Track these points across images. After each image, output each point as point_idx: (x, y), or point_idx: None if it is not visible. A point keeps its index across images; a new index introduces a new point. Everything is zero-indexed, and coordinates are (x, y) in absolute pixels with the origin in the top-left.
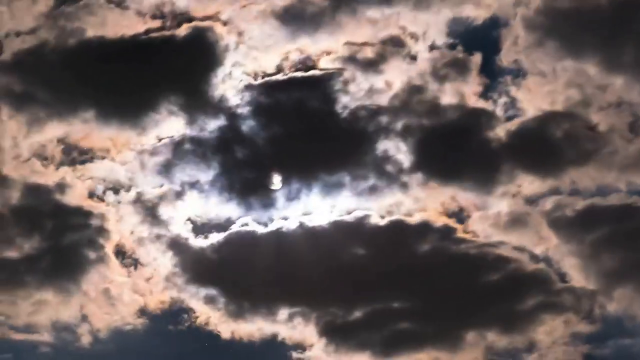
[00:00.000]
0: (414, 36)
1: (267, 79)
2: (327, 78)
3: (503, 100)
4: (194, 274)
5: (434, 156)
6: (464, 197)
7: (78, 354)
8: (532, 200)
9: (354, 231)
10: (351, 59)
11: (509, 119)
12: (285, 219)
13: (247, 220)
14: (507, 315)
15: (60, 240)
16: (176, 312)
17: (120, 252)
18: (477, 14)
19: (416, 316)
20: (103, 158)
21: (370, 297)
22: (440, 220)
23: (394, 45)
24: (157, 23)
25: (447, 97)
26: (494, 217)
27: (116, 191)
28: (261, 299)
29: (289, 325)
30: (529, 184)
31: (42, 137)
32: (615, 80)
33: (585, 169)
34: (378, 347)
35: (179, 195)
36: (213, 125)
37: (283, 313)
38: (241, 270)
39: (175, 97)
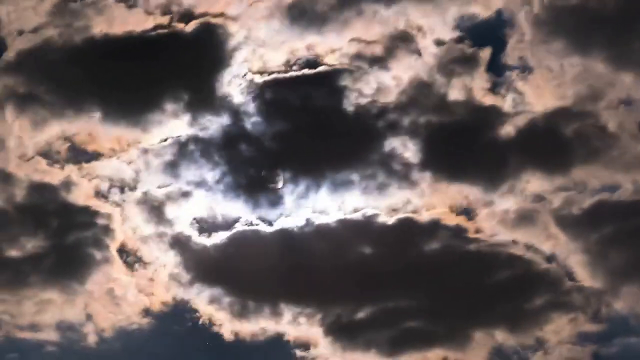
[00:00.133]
0: (421, 32)
1: (273, 76)
2: (334, 75)
3: (511, 96)
4: (199, 273)
5: (441, 153)
6: (472, 194)
7: (83, 354)
8: (540, 198)
9: (360, 229)
10: (358, 56)
11: (517, 115)
12: (292, 217)
13: (253, 219)
14: (514, 314)
15: (65, 239)
16: (181, 312)
17: (125, 251)
18: (484, 10)
19: (422, 315)
20: (109, 157)
21: (377, 296)
22: (447, 218)
23: (401, 41)
24: (163, 20)
25: (455, 93)
26: (501, 214)
27: (122, 190)
28: (266, 298)
29: (294, 325)
30: (537, 181)
31: (47, 135)
32: (624, 77)
33: (594, 166)
34: (384, 346)
35: (184, 194)
36: (219, 123)
37: (288, 312)
38: (246, 269)
39: (181, 95)
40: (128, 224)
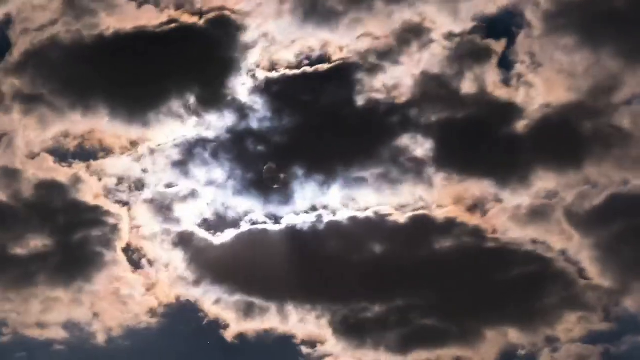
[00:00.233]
0: (432, 27)
1: (284, 72)
2: (346, 71)
3: (520, 92)
4: (207, 272)
5: (453, 150)
6: (484, 191)
7: (90, 352)
8: (552, 194)
9: (370, 227)
10: (369, 51)
11: (527, 111)
12: (301, 215)
13: (261, 217)
14: (525, 312)
15: (71, 237)
16: (188, 311)
17: (132, 250)
18: (494, 4)
19: (433, 313)
20: (117, 155)
21: (387, 294)
22: (458, 215)
23: (411, 36)
24: (173, 16)
25: (467, 88)
26: (513, 211)
27: (129, 188)
28: (274, 297)
29: (302, 322)
30: (549, 177)
31: (55, 133)
32: (636, 72)
33: (606, 162)
34: (394, 344)
35: (193, 192)
36: (228, 120)
37: (296, 310)
38: (255, 267)
39: (191, 92)
40: (135, 222)
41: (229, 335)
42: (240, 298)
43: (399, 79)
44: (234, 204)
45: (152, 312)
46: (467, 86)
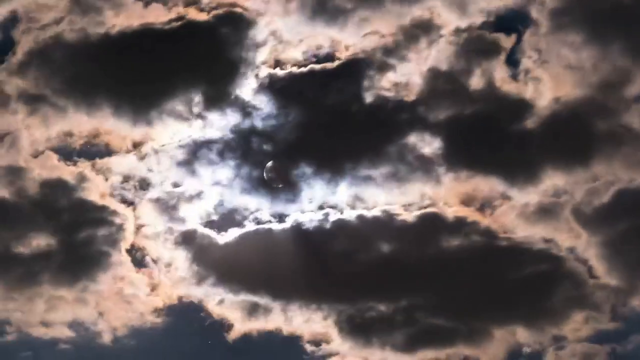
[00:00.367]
0: (439, 23)
1: (290, 70)
2: (353, 68)
3: (529, 88)
4: (212, 272)
5: (460, 146)
6: (492, 189)
7: (96, 352)
8: (560, 192)
9: (377, 225)
10: (376, 49)
11: (536, 107)
12: (307, 213)
13: (267, 216)
14: (532, 311)
15: (76, 236)
16: (193, 310)
17: (136, 249)
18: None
19: (440, 312)
20: (122, 154)
21: (393, 293)
22: (466, 213)
23: (419, 32)
24: (180, 13)
25: (475, 84)
26: (521, 209)
27: (134, 187)
28: (279, 296)
29: (307, 322)
30: (557, 175)
31: (59, 131)
32: None
33: (614, 160)
34: (400, 343)
35: (198, 191)
36: (235, 118)
37: (301, 309)
38: (260, 267)
39: (197, 90)
40: (140, 221)
41: (234, 334)
42: (246, 297)
43: (407, 76)
44: (240, 203)
45: (157, 311)
46: (475, 82)
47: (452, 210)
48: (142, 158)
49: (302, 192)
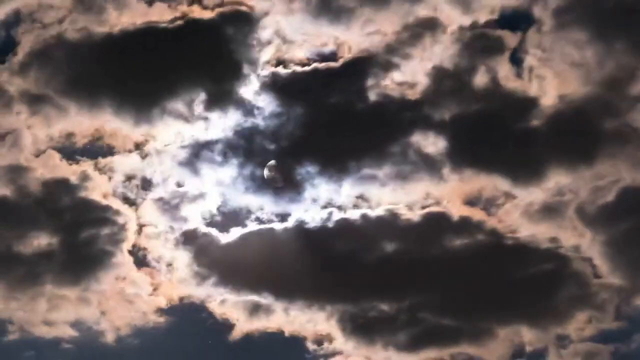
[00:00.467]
0: (443, 20)
1: (294, 69)
2: (357, 67)
3: (534, 86)
4: (215, 271)
5: (465, 145)
6: (496, 187)
7: (98, 351)
8: (564, 191)
9: (380, 224)
10: (381, 47)
11: (539, 105)
12: (311, 212)
13: (269, 215)
14: (536, 310)
15: (78, 235)
16: (196, 310)
17: (139, 249)
18: None
19: (443, 311)
20: (124, 153)
21: (396, 292)
22: (470, 212)
23: (423, 30)
24: (184, 11)
25: (479, 83)
26: (525, 207)
27: (137, 187)
28: (282, 295)
29: (310, 322)
30: (562, 173)
31: (61, 130)
32: None
33: (618, 158)
34: (403, 343)
35: (201, 190)
36: (238, 118)
37: (304, 309)
38: (263, 266)
39: (200, 89)
40: (142, 221)
41: (236, 334)
42: (248, 297)
43: (411, 74)
44: (243, 203)
45: (159, 311)
46: (480, 80)
47: (455, 209)
48: (145, 158)
49: (306, 192)
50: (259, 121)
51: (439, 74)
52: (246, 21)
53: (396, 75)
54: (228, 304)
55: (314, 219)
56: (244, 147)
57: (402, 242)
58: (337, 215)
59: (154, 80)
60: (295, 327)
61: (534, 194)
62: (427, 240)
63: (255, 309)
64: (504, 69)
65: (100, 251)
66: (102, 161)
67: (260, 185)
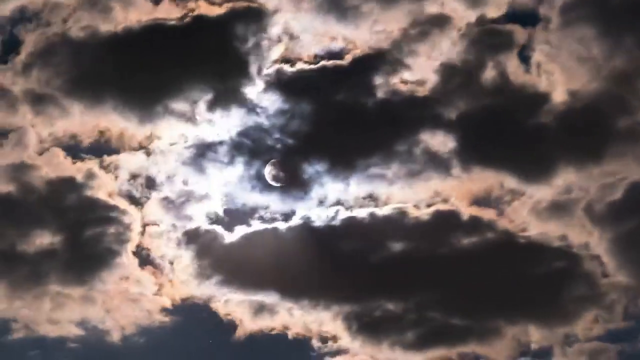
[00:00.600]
0: (452, 15)
1: (302, 67)
2: (365, 64)
3: (542, 82)
4: (220, 270)
5: (472, 142)
6: (504, 185)
7: (104, 350)
8: (572, 189)
9: (387, 222)
10: (389, 44)
11: (549, 101)
12: (318, 211)
13: (276, 214)
14: (544, 309)
15: (82, 234)
16: (201, 309)
17: (143, 248)
18: None
19: (450, 310)
20: (130, 151)
21: (403, 291)
22: (477, 210)
23: (431, 26)
24: (191, 7)
25: (488, 79)
26: (534, 205)
27: (141, 186)
28: (288, 294)
29: (316, 321)
30: (570, 171)
31: (66, 128)
32: None
33: (628, 156)
34: (409, 341)
35: (206, 189)
36: (244, 116)
37: (310, 308)
38: (268, 264)
39: (207, 87)
40: (147, 220)
41: (242, 332)
42: (254, 296)
43: (419, 71)
44: (248, 202)
45: (164, 310)
46: (489, 77)
47: (463, 208)
48: (149, 156)
49: (313, 190)
50: (266, 119)
51: (448, 71)
52: (254, 18)
53: (404, 73)
54: (233, 303)
55: (321, 217)
56: (251, 145)
57: (410, 240)
58: (345, 214)
59: (161, 78)
60: (300, 326)
61: (543, 192)
62: (434, 238)
63: (260, 308)
64: (512, 65)
65: (105, 250)
66: (107, 159)
67: (266, 184)
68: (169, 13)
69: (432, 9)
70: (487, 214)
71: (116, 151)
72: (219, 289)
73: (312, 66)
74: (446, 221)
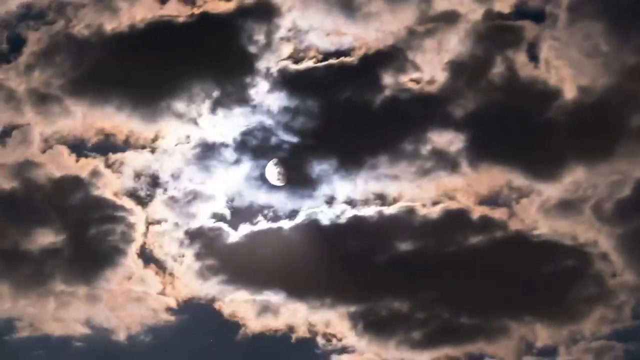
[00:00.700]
0: (461, 10)
1: (309, 64)
2: (373, 61)
3: (551, 78)
4: (225, 269)
5: (481, 140)
6: (512, 183)
7: (110, 349)
8: (581, 186)
9: (394, 221)
10: (396, 41)
11: (558, 98)
12: (324, 209)
13: (282, 213)
14: (551, 307)
15: (88, 233)
16: (206, 308)
17: (148, 247)
18: None
19: (457, 308)
20: (135, 150)
21: (410, 289)
22: (485, 208)
23: (439, 23)
24: (200, 4)
25: (497, 75)
26: (542, 203)
27: (146, 185)
28: (293, 293)
29: (322, 319)
30: (579, 168)
31: (70, 127)
32: None
33: (636, 153)
34: (416, 340)
35: (211, 188)
36: (251, 114)
37: (316, 306)
38: (273, 263)
39: (212, 84)
40: (151, 218)
41: (247, 331)
42: (259, 295)
43: (427, 68)
44: (253, 200)
45: (169, 310)
46: (497, 73)
47: (471, 206)
48: (154, 155)
49: (320, 189)
50: (274, 117)
51: (455, 68)
52: (262, 16)
53: (412, 70)
54: (238, 302)
55: (328, 215)
56: (258, 143)
57: (418, 239)
58: (352, 212)
59: (166, 77)
60: (306, 325)
61: (551, 190)
62: (442, 237)
63: (265, 307)
64: (521, 61)
65: (110, 249)
66: (112, 157)
67: (272, 182)
68: (175, 10)
69: (440, 5)
70: (496, 212)
71: (121, 149)
72: (223, 288)
73: (320, 64)
74: (454, 219)
